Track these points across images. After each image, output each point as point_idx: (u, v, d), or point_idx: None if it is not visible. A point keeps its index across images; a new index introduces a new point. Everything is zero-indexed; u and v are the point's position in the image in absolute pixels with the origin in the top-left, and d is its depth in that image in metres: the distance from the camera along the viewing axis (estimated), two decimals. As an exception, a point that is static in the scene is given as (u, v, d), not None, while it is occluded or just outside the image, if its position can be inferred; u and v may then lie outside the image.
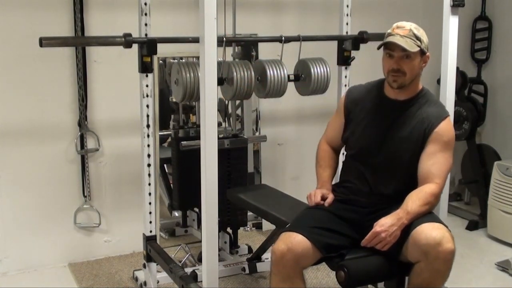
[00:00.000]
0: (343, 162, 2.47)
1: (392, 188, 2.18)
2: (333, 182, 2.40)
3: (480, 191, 3.96)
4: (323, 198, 2.25)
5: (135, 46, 2.52)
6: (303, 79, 2.79)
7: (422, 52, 2.12)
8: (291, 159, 3.80)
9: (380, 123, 2.21)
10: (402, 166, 2.16)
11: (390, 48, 2.12)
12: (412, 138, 2.14)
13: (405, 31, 2.10)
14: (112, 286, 2.97)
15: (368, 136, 2.23)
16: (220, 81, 2.53)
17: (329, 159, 2.42)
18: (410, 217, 2.00)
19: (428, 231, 1.94)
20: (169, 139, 3.46)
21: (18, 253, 3.09)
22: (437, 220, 2.05)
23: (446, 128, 2.14)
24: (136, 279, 2.98)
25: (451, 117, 2.24)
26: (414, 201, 2.03)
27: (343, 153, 2.59)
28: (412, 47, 2.08)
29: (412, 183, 2.13)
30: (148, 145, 2.65)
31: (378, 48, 2.16)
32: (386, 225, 1.98)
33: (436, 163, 2.10)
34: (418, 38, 2.10)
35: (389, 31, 2.15)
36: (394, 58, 2.11)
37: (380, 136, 2.20)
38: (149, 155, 2.66)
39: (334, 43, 2.99)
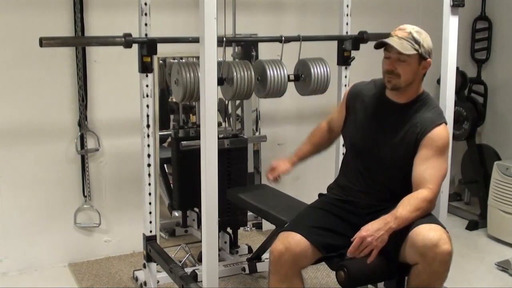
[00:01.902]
0: (342, 160, 2.45)
1: (389, 189, 2.16)
2: (330, 184, 2.40)
3: (480, 191, 3.96)
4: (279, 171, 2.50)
5: (135, 46, 2.52)
6: (303, 79, 2.79)
7: (421, 57, 2.07)
8: (291, 159, 3.79)
9: (375, 124, 2.20)
10: (395, 169, 2.15)
11: (386, 49, 2.10)
12: (404, 142, 2.11)
13: (404, 33, 2.07)
14: (112, 286, 2.97)
15: (362, 135, 2.22)
16: (220, 81, 2.53)
17: (317, 137, 2.50)
18: (398, 222, 1.95)
19: (425, 233, 1.93)
20: (169, 139, 3.46)
21: (18, 253, 3.09)
22: (434, 221, 2.03)
23: (439, 133, 2.08)
24: (136, 279, 2.98)
25: (450, 118, 2.22)
26: (404, 206, 1.98)
27: (343, 153, 2.59)
28: (406, 49, 2.04)
29: (409, 184, 2.10)
30: (148, 145, 2.65)
31: (375, 47, 2.12)
32: (372, 229, 1.94)
33: (430, 168, 2.05)
34: (417, 42, 2.05)
35: (391, 32, 2.13)
36: (390, 60, 2.09)
37: (373, 137, 2.18)
38: (149, 155, 2.66)
39: (334, 43, 2.99)
